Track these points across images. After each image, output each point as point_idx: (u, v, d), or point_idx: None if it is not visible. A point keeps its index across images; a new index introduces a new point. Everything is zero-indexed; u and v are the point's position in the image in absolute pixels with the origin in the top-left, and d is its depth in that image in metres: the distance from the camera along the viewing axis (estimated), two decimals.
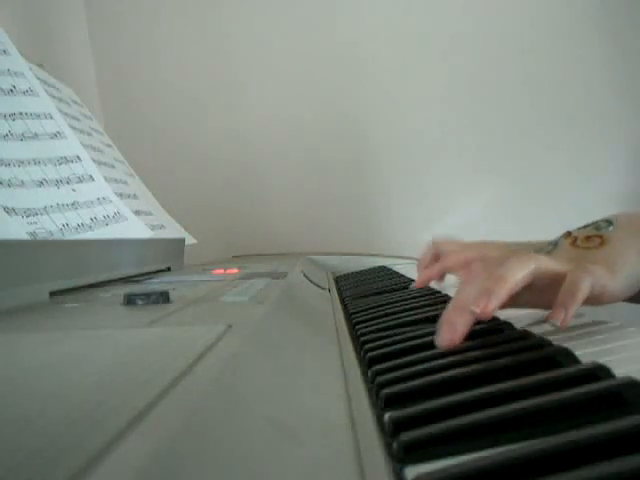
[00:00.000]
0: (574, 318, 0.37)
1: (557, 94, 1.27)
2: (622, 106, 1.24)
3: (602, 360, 0.26)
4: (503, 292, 0.36)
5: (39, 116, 0.64)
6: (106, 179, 0.71)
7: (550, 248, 0.46)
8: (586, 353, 0.29)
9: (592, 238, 0.44)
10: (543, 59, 1.26)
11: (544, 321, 0.37)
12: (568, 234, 0.46)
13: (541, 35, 1.26)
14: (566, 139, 1.27)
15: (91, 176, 0.67)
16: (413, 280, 0.66)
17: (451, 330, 0.34)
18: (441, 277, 0.63)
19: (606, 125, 1.25)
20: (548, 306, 0.37)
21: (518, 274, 0.37)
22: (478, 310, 0.35)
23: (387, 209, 1.32)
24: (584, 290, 0.36)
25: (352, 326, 0.45)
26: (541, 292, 0.39)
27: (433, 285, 0.63)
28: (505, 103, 1.29)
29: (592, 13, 1.25)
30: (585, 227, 0.46)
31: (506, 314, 0.40)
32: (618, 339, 0.32)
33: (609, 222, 0.45)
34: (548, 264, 0.38)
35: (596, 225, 0.46)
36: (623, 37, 1.24)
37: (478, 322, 0.39)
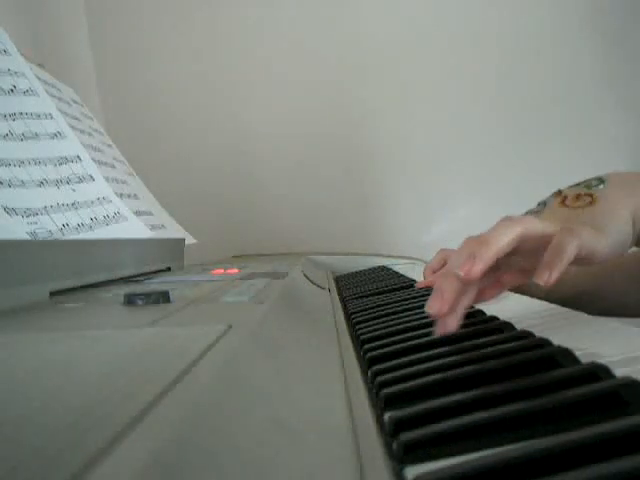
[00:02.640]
0: (574, 318, 0.37)
1: (557, 94, 1.27)
2: (622, 106, 1.24)
3: (602, 360, 0.26)
4: (488, 255, 0.35)
5: (39, 116, 0.64)
6: (106, 179, 0.71)
7: (540, 208, 0.46)
8: (586, 353, 0.29)
9: (582, 197, 0.43)
10: (543, 59, 1.26)
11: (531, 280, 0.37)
12: (558, 193, 0.46)
13: (541, 35, 1.26)
14: (566, 139, 1.27)
15: (91, 176, 0.67)
16: (414, 280, 0.66)
17: (438, 297, 0.34)
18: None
19: (606, 125, 1.25)
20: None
21: (503, 238, 0.36)
22: (462, 273, 0.35)
23: (387, 209, 1.32)
24: (570, 252, 0.36)
25: (352, 326, 0.45)
26: (530, 255, 0.38)
27: None
28: (505, 103, 1.28)
29: (592, 13, 1.25)
30: (577, 185, 0.46)
31: (506, 315, 0.40)
32: (617, 338, 0.32)
33: (600, 180, 0.44)
34: (535, 226, 0.38)
35: (587, 183, 0.45)
36: (623, 37, 1.24)
37: (478, 322, 0.39)
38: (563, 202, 0.44)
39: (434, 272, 0.63)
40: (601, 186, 0.44)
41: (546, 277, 0.35)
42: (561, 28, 1.26)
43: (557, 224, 0.39)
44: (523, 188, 1.28)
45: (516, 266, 0.39)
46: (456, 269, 0.35)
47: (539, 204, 0.47)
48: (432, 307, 0.34)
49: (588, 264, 0.39)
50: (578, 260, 0.37)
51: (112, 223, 0.65)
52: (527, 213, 0.47)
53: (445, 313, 0.34)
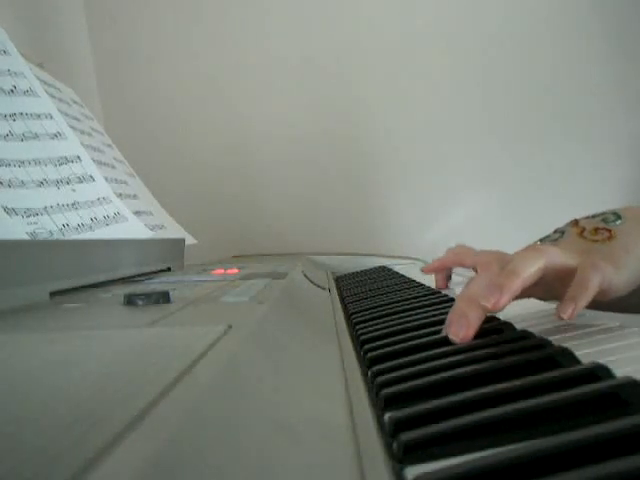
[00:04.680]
0: (576, 318, 0.37)
1: (558, 94, 1.27)
2: (624, 105, 1.24)
3: (602, 360, 0.26)
4: (514, 287, 0.35)
5: (39, 116, 0.64)
6: (106, 179, 0.71)
7: (557, 236, 0.47)
8: (586, 353, 0.29)
9: (600, 231, 0.44)
10: (544, 58, 1.26)
11: (553, 314, 0.37)
12: (575, 223, 0.47)
13: (542, 34, 1.26)
14: (566, 139, 1.27)
15: (91, 176, 0.67)
16: (414, 280, 0.66)
17: (464, 324, 0.34)
18: (449, 277, 0.63)
19: (606, 125, 1.25)
20: (556, 298, 0.38)
21: (529, 269, 0.37)
22: (489, 305, 0.34)
23: (387, 209, 1.32)
24: (594, 286, 0.37)
25: (352, 326, 0.45)
26: (550, 285, 0.39)
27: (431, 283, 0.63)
28: (505, 103, 1.28)
29: (594, 12, 1.25)
30: (593, 217, 0.47)
31: (506, 315, 0.40)
32: (618, 339, 0.32)
33: (617, 215, 0.46)
34: (559, 258, 0.39)
35: (604, 217, 0.46)
36: (623, 36, 1.24)
37: None
38: (581, 234, 0.45)
39: (441, 266, 0.64)
40: (618, 222, 0.45)
41: (570, 312, 0.35)
42: (562, 27, 1.26)
43: (577, 256, 0.40)
44: (523, 188, 1.28)
45: (529, 292, 0.40)
46: (482, 299, 0.35)
47: (556, 232, 0.48)
48: (457, 334, 0.34)
49: (603, 298, 0.40)
50: (596, 294, 0.38)
51: (112, 223, 0.65)
52: (544, 240, 0.48)
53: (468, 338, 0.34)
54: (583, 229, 0.45)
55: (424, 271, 0.63)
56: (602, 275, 0.38)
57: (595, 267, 0.38)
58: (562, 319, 0.36)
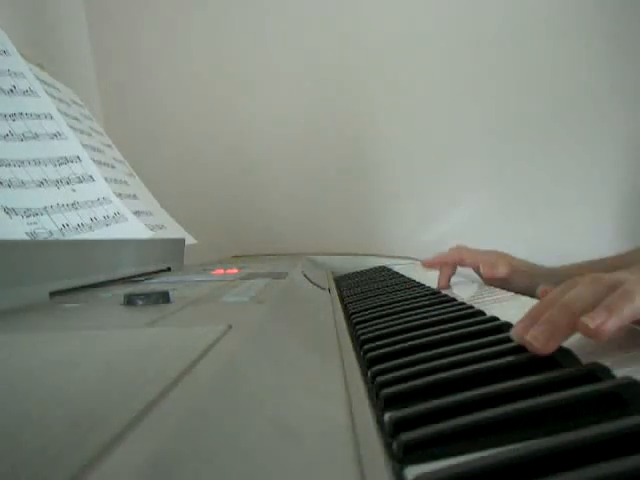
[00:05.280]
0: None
1: (558, 94, 1.27)
2: (624, 105, 1.24)
3: (602, 360, 0.26)
4: (627, 313, 0.29)
5: (39, 116, 0.64)
6: (106, 179, 0.71)
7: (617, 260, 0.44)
8: (587, 353, 0.28)
9: None
10: (543, 59, 1.26)
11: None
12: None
13: (541, 35, 1.26)
14: (567, 140, 1.27)
15: (91, 176, 0.67)
16: (414, 280, 0.66)
17: (550, 330, 0.29)
18: (451, 275, 0.63)
19: (607, 125, 1.25)
20: None
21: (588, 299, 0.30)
22: (592, 325, 0.28)
23: (387, 209, 1.32)
24: (637, 303, 0.30)
25: (352, 326, 0.45)
26: None
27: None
28: (505, 103, 1.28)
29: (593, 11, 1.25)
30: None
31: (506, 315, 0.40)
32: (618, 339, 0.32)
33: None
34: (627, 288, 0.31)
35: None
36: (623, 36, 1.24)
37: (478, 322, 0.39)
38: None
39: (442, 261, 0.63)
40: None
41: (597, 321, 0.28)
42: (562, 28, 1.26)
43: None
44: (523, 188, 1.28)
45: None
46: (585, 315, 0.29)
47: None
48: (536, 338, 0.29)
49: None
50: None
51: (112, 223, 0.65)
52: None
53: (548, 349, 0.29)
54: None
55: (424, 264, 0.63)
56: None
57: None
58: (587, 330, 0.28)
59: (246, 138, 1.33)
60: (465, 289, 0.62)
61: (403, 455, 0.20)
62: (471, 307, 0.45)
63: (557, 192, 1.25)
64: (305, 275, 0.73)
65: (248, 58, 1.32)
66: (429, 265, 0.63)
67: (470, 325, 0.38)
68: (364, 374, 0.31)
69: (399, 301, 0.53)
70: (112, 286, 0.54)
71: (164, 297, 0.39)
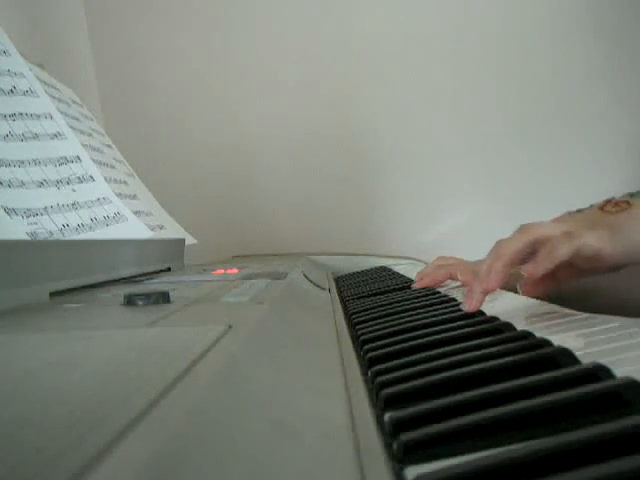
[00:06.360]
0: (575, 318, 0.37)
1: (558, 93, 1.27)
2: (624, 104, 1.24)
3: (602, 360, 0.26)
4: (499, 267, 0.42)
5: (39, 116, 0.64)
6: (106, 179, 0.71)
7: (579, 210, 0.48)
8: (586, 353, 0.28)
9: (621, 203, 0.46)
10: (544, 58, 1.26)
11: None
12: (609, 200, 0.48)
13: (541, 34, 1.26)
14: (567, 140, 1.27)
15: (91, 176, 0.67)
16: (413, 281, 0.66)
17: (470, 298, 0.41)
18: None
19: (607, 125, 1.25)
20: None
21: (512, 247, 0.42)
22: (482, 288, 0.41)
23: (387, 209, 1.32)
24: (561, 252, 0.40)
25: (352, 326, 0.45)
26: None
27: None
28: (506, 103, 1.28)
29: (593, 11, 1.25)
30: (630, 194, 0.47)
31: (506, 314, 0.40)
32: (618, 339, 0.32)
33: None
34: (544, 231, 0.42)
35: (633, 192, 0.47)
36: (624, 36, 1.24)
37: (479, 322, 0.39)
38: (603, 207, 0.47)
39: (432, 283, 0.64)
40: None
41: (530, 269, 0.41)
42: (561, 27, 1.26)
43: (570, 228, 0.43)
44: (523, 188, 1.28)
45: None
46: (479, 286, 0.41)
47: (580, 209, 0.50)
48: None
49: (600, 266, 0.42)
50: (582, 260, 0.41)
51: (112, 223, 0.65)
52: (566, 213, 0.50)
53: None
54: (607, 202, 0.47)
55: (416, 287, 0.63)
56: (575, 242, 0.40)
57: (568, 235, 0.41)
58: (521, 275, 0.41)
59: (246, 138, 1.33)
60: (465, 289, 0.62)
61: (403, 455, 0.20)
62: None
63: (557, 192, 1.25)
64: (305, 275, 0.73)
65: (248, 59, 1.32)
66: (420, 287, 0.63)
67: (470, 325, 0.38)
68: (364, 374, 0.31)
69: (399, 301, 0.53)
70: (112, 286, 0.54)
71: (164, 297, 0.39)
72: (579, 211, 0.50)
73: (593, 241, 0.41)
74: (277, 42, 1.32)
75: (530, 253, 0.42)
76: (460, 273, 0.58)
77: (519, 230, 0.44)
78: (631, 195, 0.47)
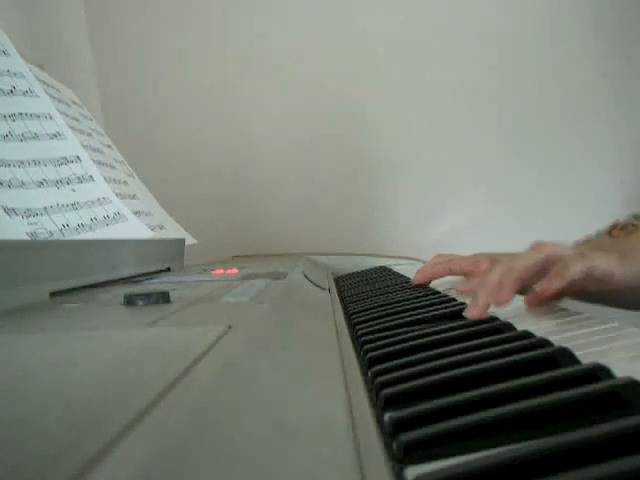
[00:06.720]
0: (575, 318, 0.37)
1: (558, 94, 1.27)
2: (624, 105, 1.24)
3: (602, 360, 0.26)
4: (511, 279, 0.41)
5: (39, 117, 0.64)
6: (106, 179, 0.71)
7: (590, 237, 0.49)
8: (586, 353, 0.28)
9: (627, 227, 0.46)
10: (544, 58, 1.26)
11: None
12: (614, 224, 0.49)
13: (541, 35, 1.26)
14: (568, 139, 1.27)
15: (91, 176, 0.67)
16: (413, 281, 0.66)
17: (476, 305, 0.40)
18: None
19: (608, 125, 1.25)
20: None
21: (526, 261, 0.43)
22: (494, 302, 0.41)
23: (387, 209, 1.32)
24: (574, 269, 0.41)
25: (352, 326, 0.45)
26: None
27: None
28: (506, 103, 1.28)
29: (593, 11, 1.25)
30: (634, 216, 0.48)
31: (506, 314, 0.40)
32: (618, 339, 0.32)
33: None
34: (557, 250, 0.43)
35: (638, 214, 0.48)
36: (624, 36, 1.24)
37: (478, 322, 0.39)
38: (610, 233, 0.48)
39: (432, 277, 0.64)
40: None
41: (545, 285, 0.41)
42: (561, 27, 1.26)
43: (581, 251, 0.44)
44: (524, 188, 1.28)
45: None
46: (486, 295, 0.41)
47: (595, 234, 0.51)
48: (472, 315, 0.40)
49: (609, 287, 0.43)
50: (594, 282, 0.42)
51: (112, 223, 0.65)
52: (577, 242, 0.52)
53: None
54: (613, 227, 0.48)
55: (416, 282, 0.63)
56: (586, 263, 0.41)
57: (580, 256, 0.42)
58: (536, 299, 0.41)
59: (246, 138, 1.33)
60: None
61: (403, 455, 0.20)
62: None
63: (557, 192, 1.25)
64: (305, 275, 0.73)
65: (249, 59, 1.32)
66: (420, 281, 0.63)
67: (470, 325, 0.38)
68: (364, 374, 0.31)
69: (399, 301, 0.53)
70: (112, 286, 0.54)
71: (164, 297, 0.39)
72: (587, 241, 0.51)
73: (605, 264, 0.42)
74: (277, 42, 1.32)
75: (540, 271, 0.43)
76: (460, 269, 0.58)
77: (532, 247, 0.44)
78: (636, 217, 0.48)
